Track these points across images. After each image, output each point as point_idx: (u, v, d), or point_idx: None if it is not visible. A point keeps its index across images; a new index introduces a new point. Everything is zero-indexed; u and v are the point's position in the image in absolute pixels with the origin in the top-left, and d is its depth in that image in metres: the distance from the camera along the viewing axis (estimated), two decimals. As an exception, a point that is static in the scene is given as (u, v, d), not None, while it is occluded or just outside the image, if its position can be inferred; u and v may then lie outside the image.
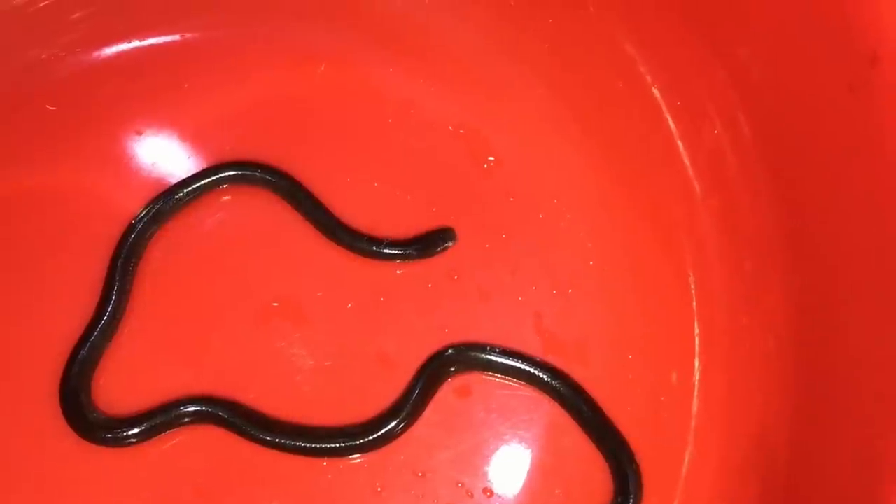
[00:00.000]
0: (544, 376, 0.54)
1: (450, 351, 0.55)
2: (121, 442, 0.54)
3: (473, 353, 0.55)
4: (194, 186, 0.57)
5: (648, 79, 0.55)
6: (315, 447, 0.54)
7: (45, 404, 0.54)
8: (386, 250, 0.56)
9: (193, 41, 0.60)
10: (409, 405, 0.54)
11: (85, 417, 0.54)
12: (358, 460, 0.54)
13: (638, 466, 0.53)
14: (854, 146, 0.44)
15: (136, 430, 0.54)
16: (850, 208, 0.45)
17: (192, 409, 0.54)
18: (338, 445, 0.54)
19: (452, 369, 0.55)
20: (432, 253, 0.56)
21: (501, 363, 0.55)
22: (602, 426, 0.54)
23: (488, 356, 0.55)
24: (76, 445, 0.54)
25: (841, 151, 0.45)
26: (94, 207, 0.57)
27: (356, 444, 0.54)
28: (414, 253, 0.56)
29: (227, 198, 0.58)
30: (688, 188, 0.55)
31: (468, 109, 0.59)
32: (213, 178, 0.57)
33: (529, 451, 0.54)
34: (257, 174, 0.57)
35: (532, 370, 0.54)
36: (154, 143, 0.59)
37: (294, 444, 0.54)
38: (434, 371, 0.55)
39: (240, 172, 0.57)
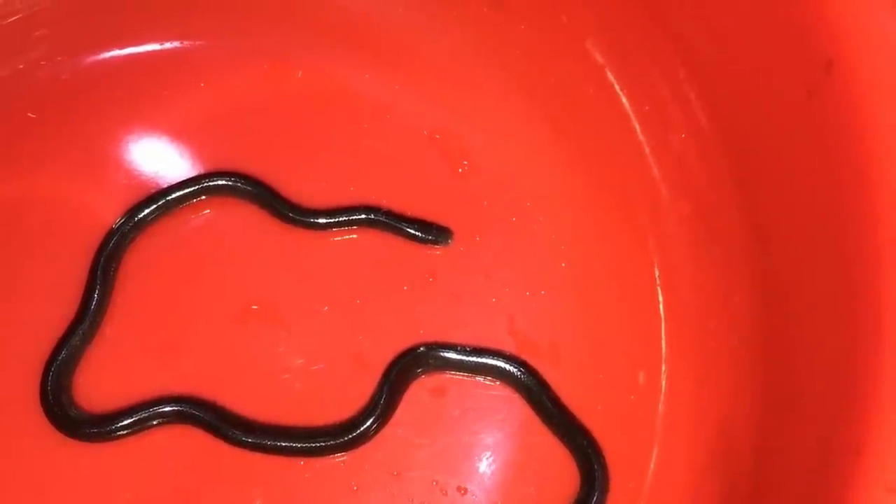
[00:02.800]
0: (512, 370, 0.55)
1: (420, 349, 0.56)
2: (101, 436, 0.55)
3: (439, 353, 0.56)
4: (175, 196, 0.58)
5: (617, 86, 0.56)
6: (290, 446, 0.55)
7: (27, 405, 0.55)
8: (383, 218, 0.58)
9: (173, 49, 0.61)
10: (380, 407, 0.55)
11: (66, 413, 0.55)
12: (335, 459, 0.55)
13: (603, 458, 0.54)
14: (814, 150, 0.45)
15: (112, 426, 0.55)
16: (812, 211, 0.46)
17: (168, 408, 0.55)
18: (313, 446, 0.55)
19: (419, 370, 0.56)
20: (423, 238, 0.58)
21: (466, 360, 0.56)
22: (565, 420, 0.55)
23: (455, 355, 0.56)
24: (57, 445, 0.55)
25: (802, 155, 0.46)
26: (75, 213, 0.58)
27: (330, 445, 0.55)
28: (408, 229, 0.58)
29: (205, 203, 0.59)
30: (656, 192, 0.56)
31: (443, 115, 0.61)
32: (195, 188, 0.58)
33: (503, 449, 0.55)
34: (239, 185, 0.58)
35: (496, 364, 0.56)
36: (134, 149, 0.60)
37: (270, 445, 0.55)
38: (399, 372, 0.56)
39: (222, 183, 0.59)
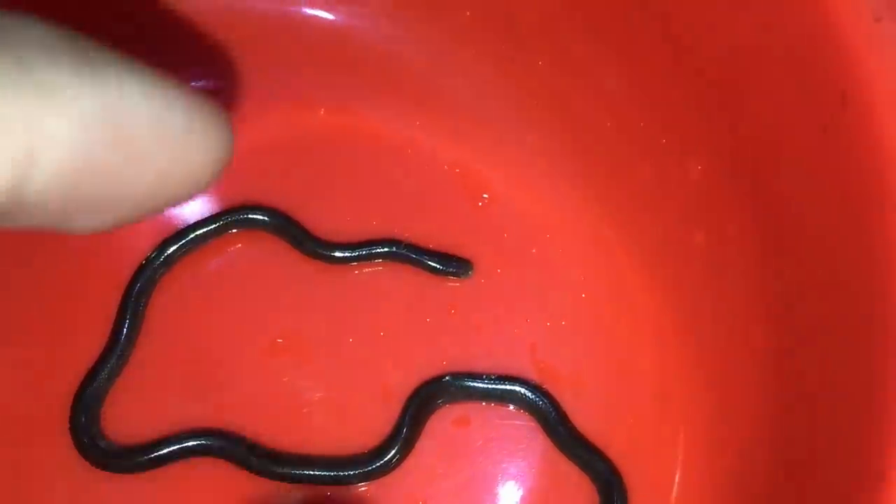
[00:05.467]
0: (530, 396, 0.56)
1: (446, 379, 0.57)
2: (129, 469, 0.56)
3: (461, 383, 0.57)
4: (205, 230, 0.59)
5: (635, 119, 0.57)
6: (315, 475, 0.56)
7: (57, 437, 0.56)
8: (404, 251, 0.59)
9: (197, 90, 0.62)
10: (401, 438, 0.56)
11: (96, 445, 0.56)
12: (361, 489, 0.56)
13: (623, 485, 0.55)
14: (830, 182, 0.46)
15: (142, 459, 0.56)
16: (830, 242, 0.47)
17: (195, 443, 0.56)
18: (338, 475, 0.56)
19: (440, 401, 0.57)
20: (445, 270, 0.59)
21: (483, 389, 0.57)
22: (584, 446, 0.56)
23: (476, 384, 0.57)
24: (87, 476, 0.56)
25: (819, 187, 0.47)
26: (105, 249, 0.59)
27: (356, 474, 0.56)
28: (429, 262, 0.59)
29: (232, 238, 0.60)
30: (673, 223, 0.57)
31: (463, 149, 0.62)
32: (222, 223, 0.60)
33: (526, 478, 0.56)
34: (265, 220, 0.60)
35: (512, 389, 0.57)
36: (161, 186, 0.61)
37: (296, 474, 0.56)
38: (419, 403, 0.57)
39: (249, 217, 0.60)
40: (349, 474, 0.56)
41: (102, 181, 0.29)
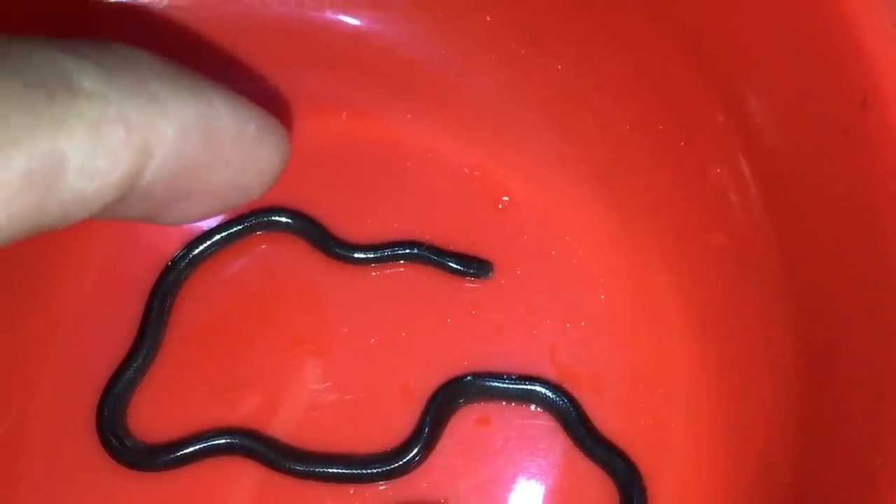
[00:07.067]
0: (552, 397, 0.57)
1: (467, 378, 0.58)
2: (155, 467, 0.57)
3: (482, 383, 0.58)
4: (229, 232, 0.60)
5: (655, 122, 0.57)
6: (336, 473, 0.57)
7: (85, 437, 0.57)
8: (426, 253, 0.60)
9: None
10: (423, 437, 0.57)
11: (123, 444, 0.57)
12: (382, 488, 0.56)
13: (643, 484, 0.55)
14: (850, 185, 0.46)
15: (167, 458, 0.57)
16: (849, 244, 0.47)
17: (221, 441, 0.57)
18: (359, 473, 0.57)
19: (461, 400, 0.58)
20: (465, 272, 0.59)
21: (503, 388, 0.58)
22: (606, 447, 0.57)
23: (495, 384, 0.58)
24: (113, 475, 0.57)
25: (838, 190, 0.47)
26: (132, 250, 0.60)
27: (376, 473, 0.56)
28: (450, 263, 0.59)
29: (257, 239, 0.61)
30: (691, 225, 0.57)
31: (483, 152, 0.62)
32: (247, 224, 0.60)
33: (547, 477, 0.57)
34: (289, 222, 0.61)
35: (533, 389, 0.57)
36: (186, 189, 0.62)
37: (318, 472, 0.56)
38: (441, 403, 0.57)
39: (273, 219, 0.61)
40: (371, 472, 0.56)
41: (195, 175, 0.36)
